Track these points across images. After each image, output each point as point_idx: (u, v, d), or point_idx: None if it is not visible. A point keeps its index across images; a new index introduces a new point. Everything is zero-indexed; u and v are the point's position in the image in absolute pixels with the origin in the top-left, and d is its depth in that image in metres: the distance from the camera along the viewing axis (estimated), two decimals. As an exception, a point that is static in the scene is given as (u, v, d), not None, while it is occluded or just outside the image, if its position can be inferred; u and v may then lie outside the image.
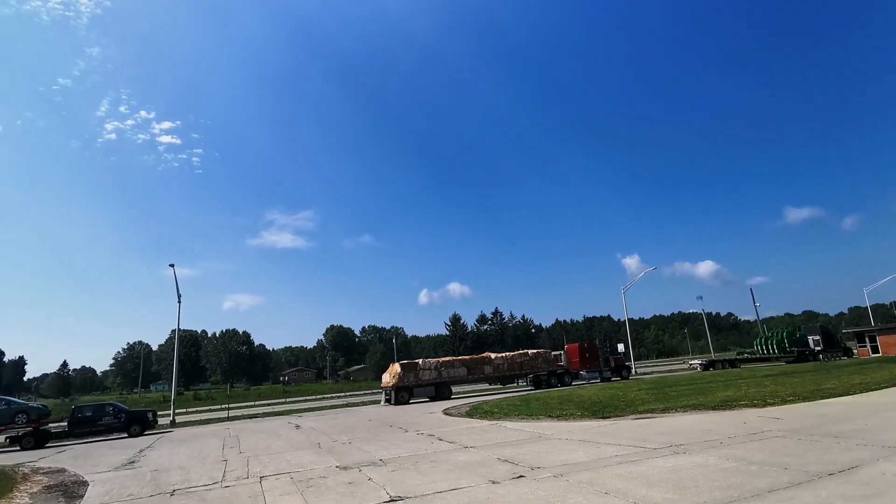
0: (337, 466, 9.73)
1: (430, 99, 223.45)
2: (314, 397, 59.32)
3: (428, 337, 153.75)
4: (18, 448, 21.61)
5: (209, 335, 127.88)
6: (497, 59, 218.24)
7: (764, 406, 13.66)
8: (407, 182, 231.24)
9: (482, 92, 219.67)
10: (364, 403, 35.47)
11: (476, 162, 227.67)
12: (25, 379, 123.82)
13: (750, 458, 7.47)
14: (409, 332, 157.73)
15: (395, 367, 31.21)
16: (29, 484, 10.84)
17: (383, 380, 32.63)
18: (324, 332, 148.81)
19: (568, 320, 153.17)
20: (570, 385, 33.76)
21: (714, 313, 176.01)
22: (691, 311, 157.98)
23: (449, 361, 32.97)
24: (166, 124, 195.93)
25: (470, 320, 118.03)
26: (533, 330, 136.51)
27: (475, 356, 35.97)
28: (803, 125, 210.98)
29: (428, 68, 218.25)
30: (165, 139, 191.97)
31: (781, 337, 48.29)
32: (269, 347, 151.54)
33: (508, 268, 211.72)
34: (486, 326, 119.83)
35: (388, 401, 30.86)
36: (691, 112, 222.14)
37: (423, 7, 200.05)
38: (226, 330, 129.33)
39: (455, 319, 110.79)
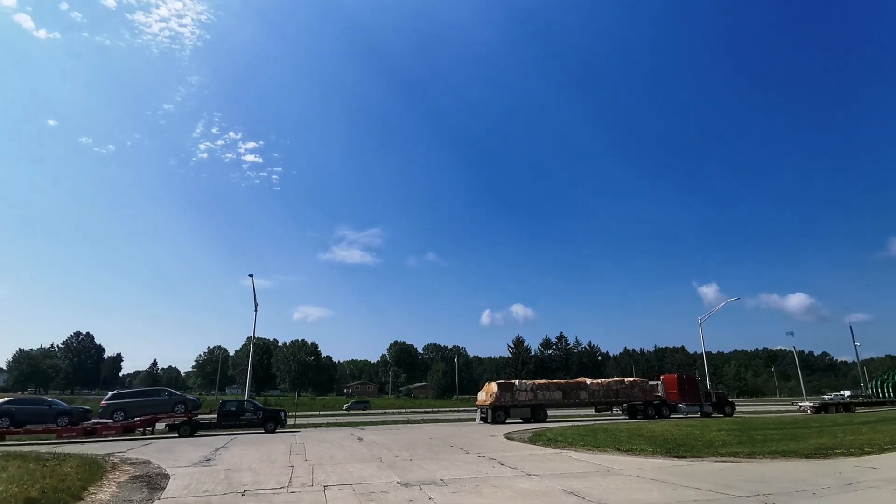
0: (398, 482, 9.73)
1: (499, 123, 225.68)
2: (376, 411, 60.28)
3: (490, 358, 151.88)
4: (176, 435, 23.61)
5: (279, 344, 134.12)
6: (567, 83, 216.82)
7: (861, 455, 12.56)
8: (473, 203, 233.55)
9: (552, 117, 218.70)
10: (424, 421, 35.49)
11: (543, 186, 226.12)
12: (121, 374, 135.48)
13: (854, 516, 6.66)
14: (471, 353, 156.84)
15: (492, 387, 31.00)
16: (117, 473, 11.50)
17: (479, 398, 32.73)
18: (387, 347, 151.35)
19: (637, 350, 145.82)
20: (667, 417, 32.21)
21: (806, 352, 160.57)
22: (779, 347, 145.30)
23: (545, 384, 32.45)
24: (251, 144, 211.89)
25: (533, 344, 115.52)
26: (599, 357, 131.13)
27: (570, 381, 35.42)
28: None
29: (497, 92, 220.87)
30: (249, 158, 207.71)
31: None
32: (334, 359, 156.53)
33: (574, 292, 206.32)
34: (550, 351, 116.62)
35: (483, 419, 30.75)
36: (782, 129, 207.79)
37: (492, 28, 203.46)
38: (295, 340, 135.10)
39: (518, 342, 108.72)
